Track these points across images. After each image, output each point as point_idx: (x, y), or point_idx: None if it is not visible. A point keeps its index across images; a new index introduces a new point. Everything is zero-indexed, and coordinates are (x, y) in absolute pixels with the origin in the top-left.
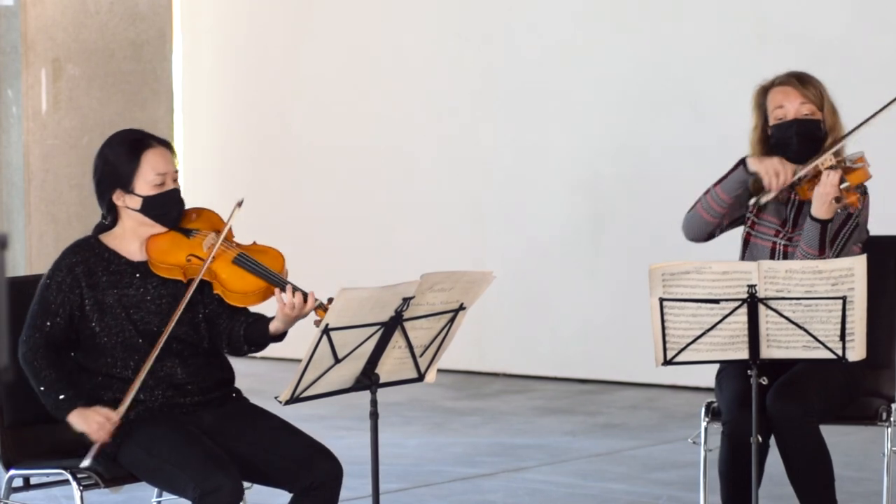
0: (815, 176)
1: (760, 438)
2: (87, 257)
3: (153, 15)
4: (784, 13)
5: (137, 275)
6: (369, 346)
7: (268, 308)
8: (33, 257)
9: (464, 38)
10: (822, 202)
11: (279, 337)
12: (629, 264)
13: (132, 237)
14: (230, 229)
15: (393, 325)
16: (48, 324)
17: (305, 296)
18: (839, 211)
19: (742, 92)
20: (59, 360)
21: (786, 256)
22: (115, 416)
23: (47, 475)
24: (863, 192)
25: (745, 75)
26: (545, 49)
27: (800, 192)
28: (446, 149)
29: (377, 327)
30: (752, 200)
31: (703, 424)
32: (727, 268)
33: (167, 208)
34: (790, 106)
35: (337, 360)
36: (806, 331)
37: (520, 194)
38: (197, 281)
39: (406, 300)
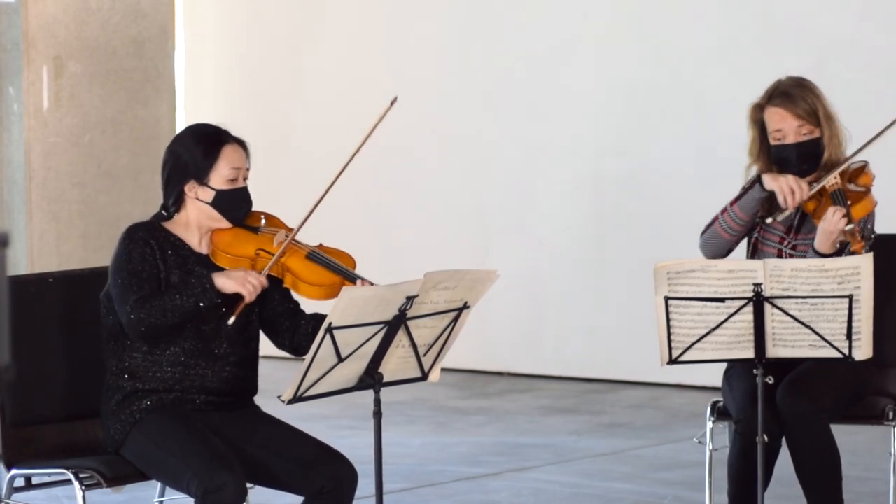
0: (821, 193)
1: (767, 438)
2: (155, 234)
3: (155, 12)
4: (788, 10)
5: (199, 265)
6: (373, 345)
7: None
8: (35, 256)
9: (468, 36)
10: (826, 239)
11: None
12: (634, 263)
13: (195, 228)
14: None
15: (396, 323)
16: (146, 286)
17: None
18: (838, 246)
19: (746, 90)
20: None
21: None
22: (264, 279)
23: (49, 475)
24: (866, 191)
25: (750, 73)
26: (548, 48)
27: (803, 206)
28: (450, 147)
29: (381, 326)
30: (769, 219)
31: (709, 424)
32: (733, 266)
33: (238, 204)
34: (787, 129)
35: (340, 360)
36: (812, 329)
37: (524, 193)
38: (269, 268)
39: (410, 299)
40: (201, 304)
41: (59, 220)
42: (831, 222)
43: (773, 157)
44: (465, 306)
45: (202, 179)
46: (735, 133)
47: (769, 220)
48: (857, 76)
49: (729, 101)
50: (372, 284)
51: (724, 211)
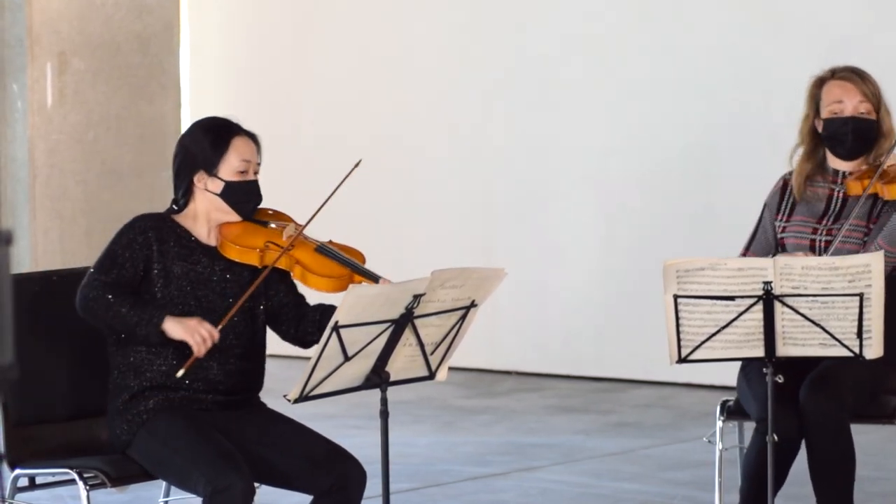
0: (879, 175)
1: (788, 439)
2: (160, 225)
3: (160, 8)
4: (798, 7)
5: (206, 256)
6: (379, 344)
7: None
8: (38, 254)
9: (475, 33)
10: None
11: None
12: (643, 261)
13: (203, 221)
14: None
15: (403, 322)
16: (114, 272)
17: None
18: None
19: (755, 86)
20: (128, 291)
21: (826, 250)
22: (216, 332)
23: (53, 474)
24: None
25: (759, 70)
26: (555, 43)
27: (852, 188)
28: (457, 145)
29: (387, 325)
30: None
31: (719, 423)
32: (742, 264)
33: (247, 197)
34: (849, 102)
35: (347, 358)
36: (822, 328)
37: (532, 191)
38: (271, 266)
39: (417, 297)
40: (138, 330)
41: (62, 217)
42: None
43: (824, 131)
44: (473, 305)
45: (211, 170)
46: (745, 131)
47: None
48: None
49: (738, 99)
50: (379, 279)
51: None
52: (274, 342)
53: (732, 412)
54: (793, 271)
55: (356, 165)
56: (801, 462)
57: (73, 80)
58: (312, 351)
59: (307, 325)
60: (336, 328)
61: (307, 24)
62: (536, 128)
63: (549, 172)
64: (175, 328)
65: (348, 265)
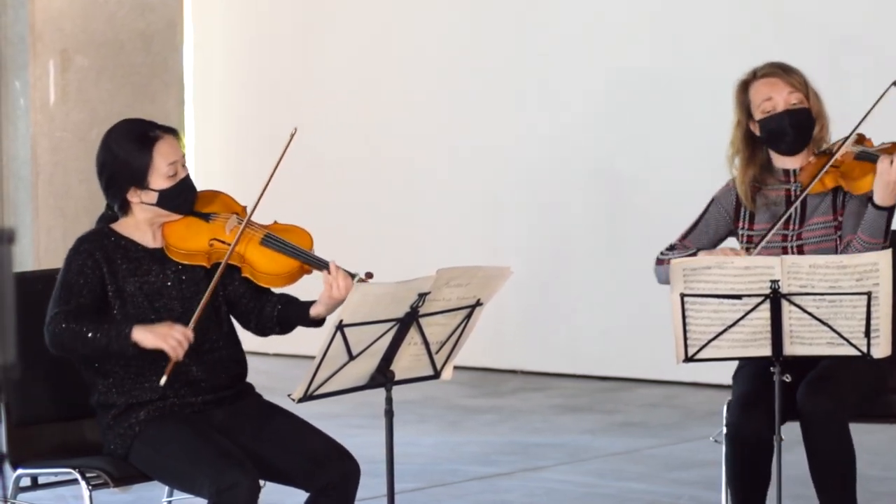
0: (836, 166)
1: (759, 439)
2: (104, 244)
3: (163, 5)
4: (802, 4)
5: (155, 263)
6: (384, 343)
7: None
8: (41, 252)
9: (480, 30)
10: (890, 191)
11: (318, 322)
12: (649, 259)
13: (146, 227)
14: (248, 210)
15: (408, 321)
16: (73, 301)
17: (351, 276)
18: None
19: None
20: (93, 316)
21: (801, 255)
22: (190, 333)
23: (55, 474)
24: (891, 145)
25: None
26: (562, 41)
27: (816, 188)
28: (462, 142)
29: (392, 323)
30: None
31: (725, 422)
32: (749, 263)
33: (183, 197)
34: (778, 97)
35: (351, 357)
36: (830, 327)
37: (538, 189)
38: (224, 264)
39: (422, 296)
40: (111, 348)
41: (65, 216)
42: (893, 171)
43: (762, 132)
44: (478, 303)
45: (143, 184)
46: None
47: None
48: (871, 70)
49: None
50: (328, 264)
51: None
52: (276, 341)
53: None
54: (800, 270)
55: (292, 136)
56: (804, 462)
57: (75, 77)
58: (317, 350)
59: (265, 318)
60: (341, 327)
61: (310, 22)
62: (542, 125)
63: (554, 170)
64: (146, 337)
65: (296, 255)
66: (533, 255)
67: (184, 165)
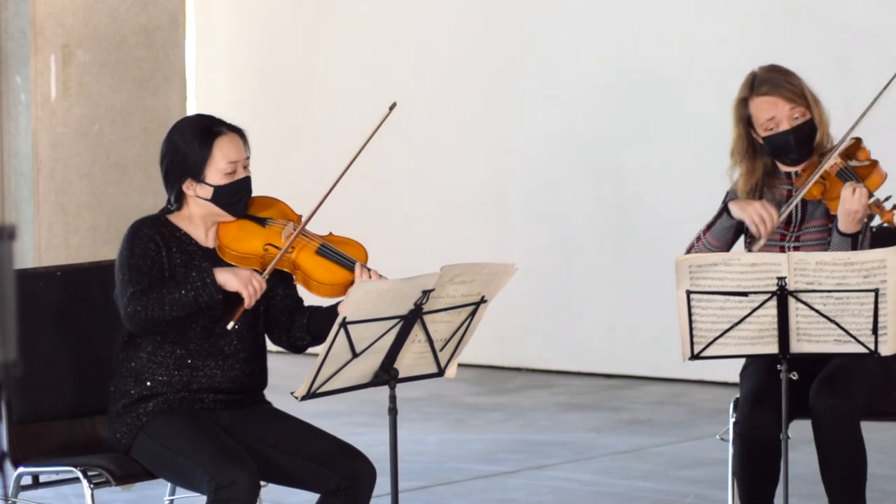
0: (823, 177)
1: (767, 437)
2: (161, 230)
3: None
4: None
5: (206, 260)
6: (388, 340)
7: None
8: (42, 249)
9: (487, 26)
10: (851, 219)
11: None
12: (655, 256)
13: (200, 222)
14: (303, 219)
15: (412, 318)
16: (145, 279)
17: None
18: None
19: None
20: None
21: None
22: (265, 284)
23: (57, 473)
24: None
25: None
26: (568, 36)
27: (807, 195)
28: (468, 139)
29: (396, 321)
30: (749, 252)
31: (732, 421)
32: (756, 259)
33: (238, 197)
34: (781, 115)
35: (355, 355)
36: (837, 324)
37: (544, 185)
38: (273, 265)
39: (426, 293)
40: (200, 299)
41: (67, 212)
42: (854, 201)
43: (767, 149)
44: (483, 300)
45: (199, 177)
46: None
47: (753, 251)
48: (882, 65)
49: None
50: (381, 277)
51: (698, 238)
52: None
53: None
54: (807, 266)
55: (391, 109)
56: (813, 461)
57: (77, 72)
58: (320, 348)
59: (296, 330)
60: (344, 324)
61: (314, 16)
62: (548, 122)
63: (561, 167)
64: (229, 279)
65: (352, 268)
66: (539, 251)
67: (246, 167)
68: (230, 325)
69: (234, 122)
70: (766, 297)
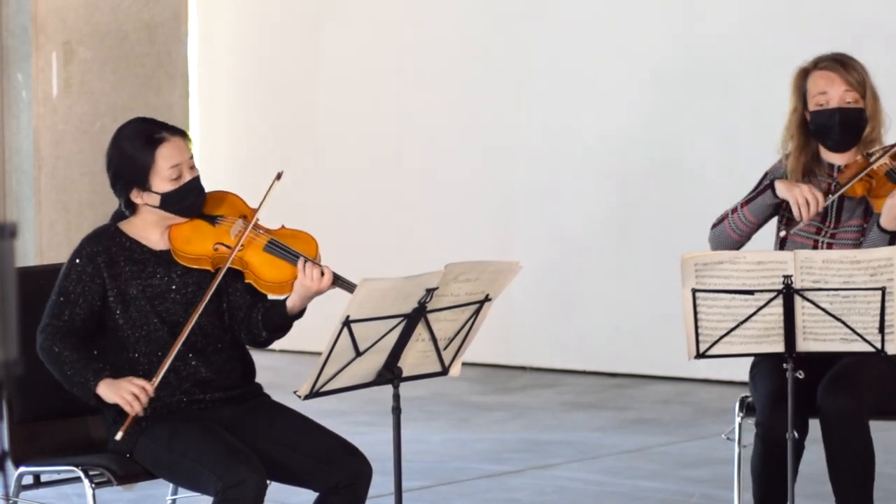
0: (870, 175)
1: (797, 435)
2: (109, 246)
3: None
4: None
5: (160, 265)
6: (391, 339)
7: None
8: (44, 247)
9: (492, 23)
10: (892, 217)
11: (298, 315)
12: (661, 254)
13: (153, 227)
14: (256, 215)
15: (416, 316)
16: (67, 313)
17: (322, 271)
18: None
19: (776, 75)
20: (80, 343)
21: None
22: (150, 386)
23: (58, 472)
24: None
25: (780, 57)
26: (574, 34)
27: (849, 192)
28: (473, 137)
29: (400, 319)
30: (783, 233)
31: (738, 420)
32: (762, 258)
33: (187, 200)
34: (834, 92)
35: (358, 354)
36: (844, 323)
37: (549, 183)
38: (224, 270)
39: (430, 291)
40: (79, 395)
41: (68, 210)
42: None
43: (812, 124)
44: (487, 299)
45: (144, 185)
46: (764, 120)
47: (782, 234)
48: (891, 60)
49: (758, 88)
50: (324, 269)
51: (734, 210)
52: (283, 339)
53: (751, 409)
54: (813, 265)
55: (277, 177)
56: (821, 460)
57: (79, 69)
58: (323, 346)
59: (253, 326)
60: (347, 323)
61: (317, 13)
62: (553, 119)
63: (566, 164)
64: (107, 393)
65: (296, 262)
66: (543, 250)
67: (191, 168)
68: (118, 436)
69: (237, 117)
70: (772, 295)
